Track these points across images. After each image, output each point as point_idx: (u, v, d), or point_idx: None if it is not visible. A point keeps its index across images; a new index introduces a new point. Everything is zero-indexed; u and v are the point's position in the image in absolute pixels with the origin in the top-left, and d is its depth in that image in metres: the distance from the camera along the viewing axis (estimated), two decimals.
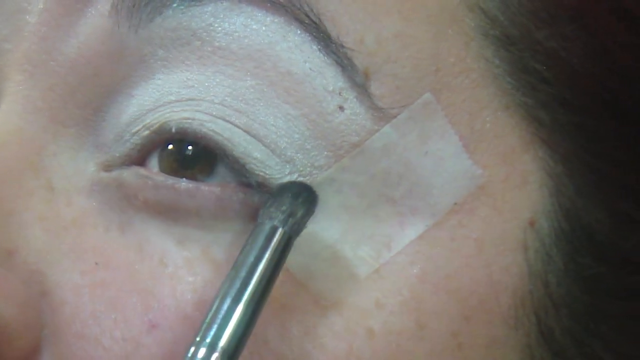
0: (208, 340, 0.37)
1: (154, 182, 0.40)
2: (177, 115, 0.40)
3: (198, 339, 0.37)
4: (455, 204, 0.41)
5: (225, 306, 0.37)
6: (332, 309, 0.40)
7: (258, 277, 0.38)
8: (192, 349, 0.37)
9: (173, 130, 0.40)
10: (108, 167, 0.41)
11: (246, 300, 0.37)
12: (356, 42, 0.40)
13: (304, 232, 0.39)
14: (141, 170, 0.41)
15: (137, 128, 0.41)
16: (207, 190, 0.40)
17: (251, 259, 0.38)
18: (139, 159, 0.41)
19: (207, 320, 0.37)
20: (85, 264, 0.40)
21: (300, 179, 0.40)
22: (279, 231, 0.38)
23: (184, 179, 0.40)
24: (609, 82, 0.42)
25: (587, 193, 0.42)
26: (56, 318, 0.40)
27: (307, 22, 0.40)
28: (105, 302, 0.40)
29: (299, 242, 0.39)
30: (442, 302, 0.40)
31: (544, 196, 0.42)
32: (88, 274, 0.40)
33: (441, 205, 0.41)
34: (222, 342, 0.37)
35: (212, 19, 0.40)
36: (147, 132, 0.41)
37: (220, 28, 0.40)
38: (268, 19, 0.40)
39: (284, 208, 0.39)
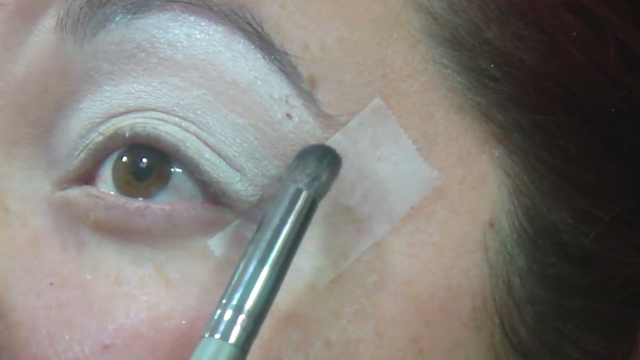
0: (234, 302, 0.37)
1: (104, 202, 0.40)
2: (129, 122, 0.40)
3: (224, 301, 0.37)
4: (412, 208, 0.40)
5: (251, 268, 0.37)
6: (288, 321, 0.39)
7: (283, 240, 0.38)
8: (219, 312, 0.37)
9: (126, 135, 0.40)
10: (62, 185, 0.41)
11: (272, 262, 0.37)
12: (300, 49, 0.39)
13: None
14: (92, 190, 0.40)
15: (89, 139, 0.40)
16: (157, 208, 0.40)
17: (276, 221, 0.38)
18: (92, 171, 0.41)
19: (233, 282, 0.37)
20: (40, 285, 0.40)
21: (251, 188, 0.39)
22: (303, 194, 0.38)
23: (137, 198, 0.40)
24: (562, 79, 0.41)
25: (547, 191, 0.41)
26: (13, 340, 0.40)
27: (249, 30, 0.39)
28: (60, 322, 0.40)
29: None
30: (401, 309, 0.40)
31: (504, 196, 0.41)
32: (43, 295, 0.40)
33: (398, 210, 0.40)
34: (249, 304, 0.37)
35: (155, 30, 0.40)
36: (100, 139, 0.40)
37: (163, 39, 0.40)
38: (211, 28, 0.40)
39: (308, 171, 0.38)
